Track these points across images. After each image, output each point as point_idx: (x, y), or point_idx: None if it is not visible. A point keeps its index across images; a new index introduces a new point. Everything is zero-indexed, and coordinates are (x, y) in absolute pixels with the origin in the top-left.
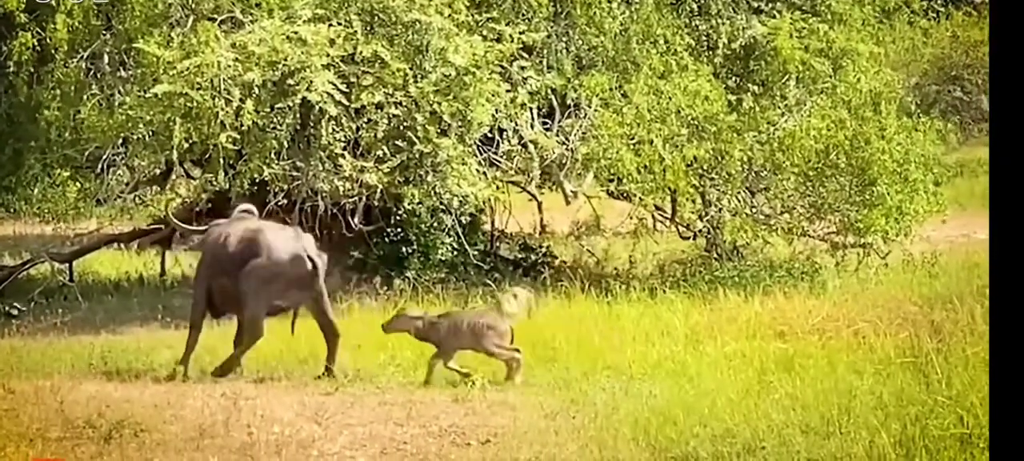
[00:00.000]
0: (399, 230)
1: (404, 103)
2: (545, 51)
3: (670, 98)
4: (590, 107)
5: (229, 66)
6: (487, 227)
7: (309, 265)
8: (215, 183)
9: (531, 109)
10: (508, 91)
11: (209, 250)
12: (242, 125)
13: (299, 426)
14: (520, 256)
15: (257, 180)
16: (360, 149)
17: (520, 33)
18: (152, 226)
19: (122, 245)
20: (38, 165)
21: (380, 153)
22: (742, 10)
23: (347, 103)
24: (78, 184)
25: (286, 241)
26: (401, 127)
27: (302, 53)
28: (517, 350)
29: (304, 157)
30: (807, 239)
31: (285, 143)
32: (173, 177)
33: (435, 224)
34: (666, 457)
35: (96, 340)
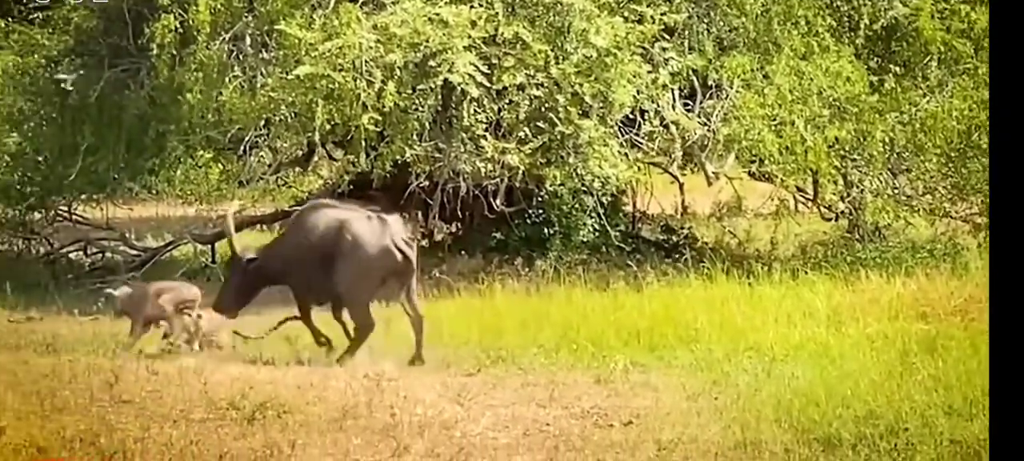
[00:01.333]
0: (541, 211)
1: (545, 84)
2: (686, 32)
3: (812, 79)
4: (732, 88)
5: (371, 48)
6: (629, 208)
7: (399, 257)
8: (357, 165)
9: (672, 90)
10: (649, 72)
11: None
12: (384, 106)
13: (442, 407)
14: (662, 237)
15: (399, 161)
16: (502, 130)
17: (661, 14)
18: (294, 208)
19: (265, 226)
20: (181, 147)
21: (522, 134)
22: None
23: (489, 84)
24: (221, 166)
25: (373, 234)
26: (543, 108)
27: (444, 35)
28: (200, 315)
29: (446, 138)
30: (949, 220)
31: (427, 124)
32: (315, 158)
33: (577, 205)
34: (809, 439)
35: (239, 322)
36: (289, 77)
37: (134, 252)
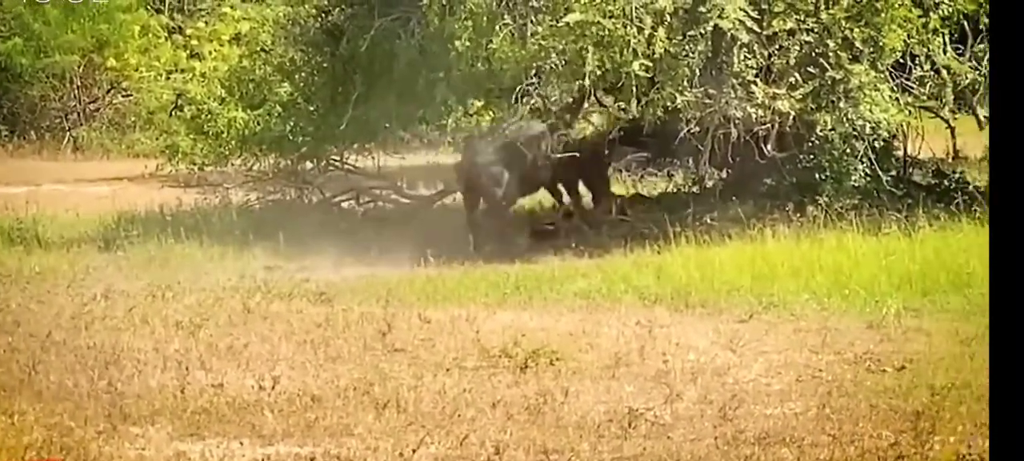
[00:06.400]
0: (811, 156)
1: (816, 29)
2: None
3: None
4: None
5: None
6: (900, 153)
7: None
8: (628, 111)
9: (943, 34)
10: (920, 17)
11: None
12: (654, 53)
13: (714, 354)
14: (933, 182)
15: (669, 107)
16: (772, 75)
17: None
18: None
19: None
20: (451, 96)
21: (792, 79)
22: None
23: (759, 30)
24: (491, 113)
25: None
26: (813, 53)
27: None
28: None
29: (716, 84)
30: None
31: (697, 70)
32: (586, 106)
33: (848, 150)
34: None
35: (511, 269)
36: (559, 24)
37: (406, 200)
